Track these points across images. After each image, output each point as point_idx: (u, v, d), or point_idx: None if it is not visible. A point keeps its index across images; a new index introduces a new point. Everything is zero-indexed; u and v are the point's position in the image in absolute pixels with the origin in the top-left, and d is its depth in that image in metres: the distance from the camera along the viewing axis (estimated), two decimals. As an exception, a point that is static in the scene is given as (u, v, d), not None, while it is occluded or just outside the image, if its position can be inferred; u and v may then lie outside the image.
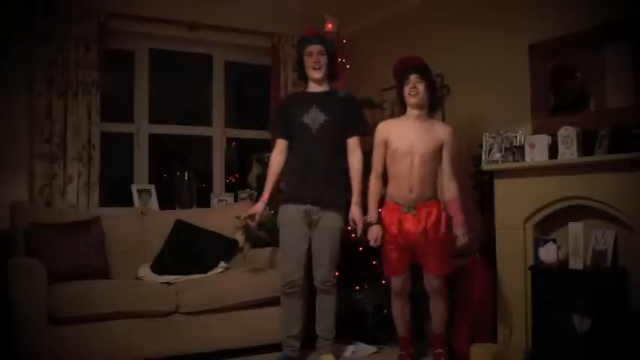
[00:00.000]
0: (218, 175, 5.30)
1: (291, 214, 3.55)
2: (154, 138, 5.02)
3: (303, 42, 3.65)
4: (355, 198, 3.53)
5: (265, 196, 3.65)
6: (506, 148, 3.61)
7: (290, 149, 3.66)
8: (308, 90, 3.68)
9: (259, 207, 3.63)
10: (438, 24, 4.52)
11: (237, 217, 4.41)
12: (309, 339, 3.73)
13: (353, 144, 3.60)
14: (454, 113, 4.24)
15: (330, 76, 3.65)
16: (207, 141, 5.33)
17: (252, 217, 3.64)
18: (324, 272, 3.54)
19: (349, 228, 3.56)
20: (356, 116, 3.65)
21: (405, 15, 4.88)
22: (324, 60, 3.57)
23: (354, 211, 3.51)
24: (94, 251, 3.82)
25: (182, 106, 5.70)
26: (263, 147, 5.42)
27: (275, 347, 3.87)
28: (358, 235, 3.52)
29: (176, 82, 5.57)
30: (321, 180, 3.51)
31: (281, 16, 5.15)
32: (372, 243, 3.42)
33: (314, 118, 3.55)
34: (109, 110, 4.72)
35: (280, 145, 3.69)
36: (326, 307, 3.60)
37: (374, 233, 3.40)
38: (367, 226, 3.44)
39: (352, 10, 4.91)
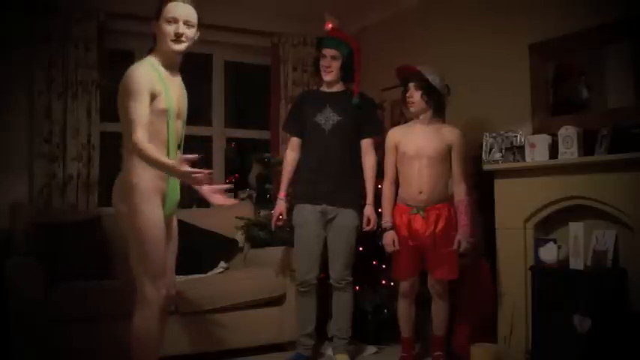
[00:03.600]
0: (218, 175, 5.30)
1: (306, 214, 3.57)
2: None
3: (320, 42, 3.66)
4: (369, 198, 3.55)
5: (282, 193, 3.70)
6: (506, 148, 3.61)
7: (303, 148, 3.67)
8: (322, 89, 3.68)
9: (282, 206, 3.69)
10: (438, 24, 4.52)
11: (238, 218, 4.42)
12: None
13: (367, 145, 3.61)
14: (454, 113, 4.23)
15: (343, 77, 3.62)
16: (207, 141, 5.33)
17: (279, 218, 3.70)
18: (339, 270, 3.55)
19: (363, 228, 3.56)
20: (370, 118, 3.66)
21: (405, 15, 4.88)
22: (335, 65, 3.55)
23: (369, 210, 3.52)
24: (94, 251, 3.82)
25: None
26: (263, 147, 5.43)
27: (275, 347, 3.88)
28: (373, 232, 3.54)
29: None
30: (335, 180, 3.52)
31: (281, 16, 5.15)
32: (388, 248, 3.43)
33: (327, 117, 3.56)
34: (109, 110, 4.71)
35: (293, 143, 3.71)
36: (341, 305, 3.61)
37: (389, 238, 3.41)
38: (382, 231, 3.46)
39: (352, 10, 4.91)
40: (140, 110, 2.53)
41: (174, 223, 2.90)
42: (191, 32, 2.72)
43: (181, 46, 2.68)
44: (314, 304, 3.63)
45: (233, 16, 5.01)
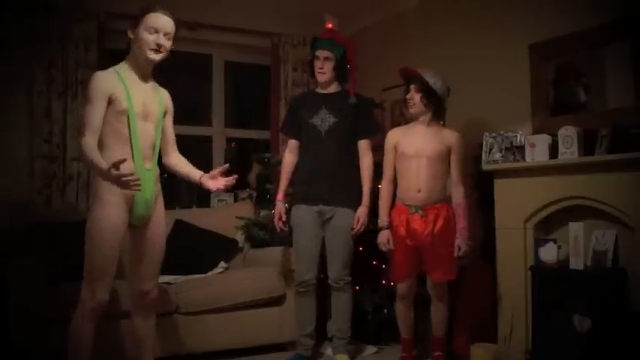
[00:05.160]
0: (218, 175, 5.29)
1: (303, 215, 3.57)
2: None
3: (314, 43, 3.65)
4: (365, 199, 3.55)
5: (280, 195, 3.70)
6: (506, 148, 3.61)
7: (301, 149, 3.67)
8: (318, 90, 3.68)
9: (280, 207, 3.67)
10: (438, 24, 4.52)
11: (238, 218, 4.42)
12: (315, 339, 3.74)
13: (364, 146, 3.61)
14: (454, 113, 4.23)
15: (338, 77, 3.61)
16: (207, 141, 5.33)
17: (280, 220, 3.66)
18: (337, 270, 3.55)
19: (352, 228, 3.54)
20: (367, 119, 3.66)
21: (405, 15, 4.88)
22: (328, 66, 3.54)
23: (360, 210, 3.52)
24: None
25: (182, 106, 5.70)
26: (263, 147, 5.43)
27: (275, 347, 3.87)
28: (357, 233, 3.54)
29: (176, 82, 5.57)
30: (332, 180, 3.52)
31: (281, 16, 5.15)
32: (382, 247, 3.44)
33: (323, 119, 3.56)
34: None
35: (291, 146, 3.73)
36: (340, 305, 3.61)
37: (384, 237, 3.41)
38: (378, 230, 3.46)
39: (352, 10, 4.91)
40: (91, 114, 2.63)
41: (157, 226, 2.88)
42: (168, 44, 2.80)
43: (158, 56, 2.76)
44: (313, 304, 3.63)
45: (233, 16, 5.01)
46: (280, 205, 3.67)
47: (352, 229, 3.54)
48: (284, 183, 3.72)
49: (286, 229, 3.69)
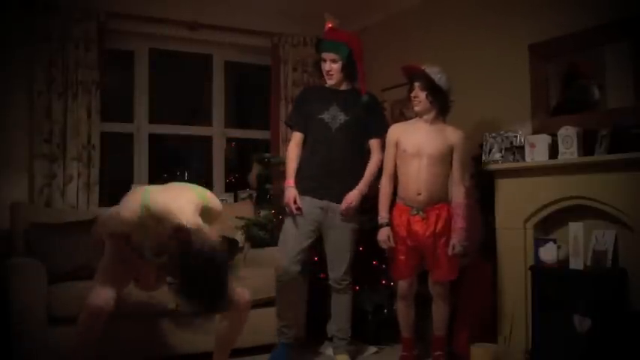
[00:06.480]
0: (218, 175, 5.30)
1: (306, 206, 3.49)
2: (153, 138, 5.02)
3: (319, 45, 3.62)
4: (361, 185, 3.51)
5: (290, 182, 3.56)
6: (506, 148, 3.61)
7: (306, 144, 3.62)
8: (328, 86, 3.62)
9: (292, 192, 3.51)
10: (439, 24, 4.52)
11: (238, 218, 4.42)
12: (315, 339, 3.74)
13: (375, 145, 3.60)
14: (454, 113, 4.23)
15: (347, 77, 3.58)
16: (207, 141, 5.33)
17: (296, 204, 3.50)
18: (339, 271, 3.54)
19: (344, 209, 3.50)
20: (377, 119, 3.65)
21: (405, 15, 4.88)
22: (336, 67, 3.51)
23: (352, 194, 3.47)
24: (94, 251, 3.81)
25: (182, 106, 5.71)
26: (263, 147, 5.43)
27: (274, 347, 3.87)
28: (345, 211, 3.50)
29: (176, 82, 5.58)
30: (340, 179, 3.49)
31: (281, 16, 5.15)
32: (382, 245, 3.43)
33: (334, 116, 3.53)
34: (109, 110, 4.72)
35: (297, 138, 3.65)
36: (340, 306, 3.61)
37: (384, 235, 3.40)
38: (378, 227, 3.45)
39: (353, 10, 4.91)
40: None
41: None
42: None
43: None
44: (294, 295, 3.60)
45: (233, 16, 5.01)
46: (292, 191, 3.51)
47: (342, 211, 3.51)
48: (291, 172, 3.57)
49: (300, 213, 3.51)
